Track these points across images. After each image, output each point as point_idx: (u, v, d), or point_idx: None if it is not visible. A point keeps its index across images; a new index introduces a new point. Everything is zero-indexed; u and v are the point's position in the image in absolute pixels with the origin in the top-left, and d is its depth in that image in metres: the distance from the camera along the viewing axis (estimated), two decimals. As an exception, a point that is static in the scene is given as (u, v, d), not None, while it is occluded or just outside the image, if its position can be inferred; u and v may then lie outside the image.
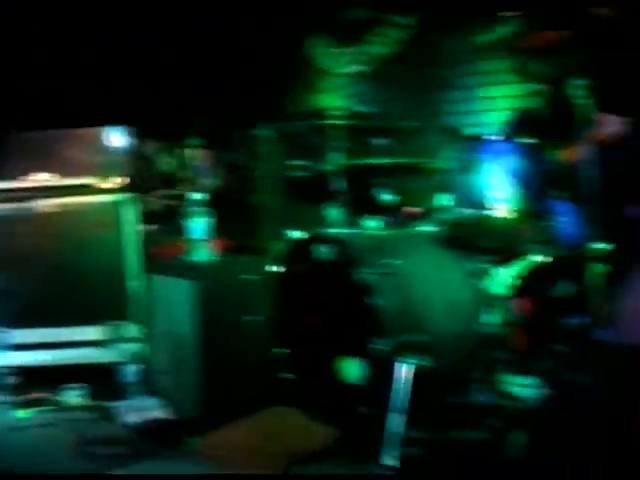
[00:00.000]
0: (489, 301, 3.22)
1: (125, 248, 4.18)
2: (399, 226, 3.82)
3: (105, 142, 4.52)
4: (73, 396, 3.91)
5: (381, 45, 6.27)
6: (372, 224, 3.66)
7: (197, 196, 3.61)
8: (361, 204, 4.09)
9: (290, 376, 3.48)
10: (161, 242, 4.85)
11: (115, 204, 4.22)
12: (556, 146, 3.31)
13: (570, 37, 3.20)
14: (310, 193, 4.65)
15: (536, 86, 4.06)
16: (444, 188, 3.35)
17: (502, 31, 3.31)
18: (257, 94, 6.87)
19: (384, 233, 3.63)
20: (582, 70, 3.16)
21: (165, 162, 5.58)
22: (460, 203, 3.24)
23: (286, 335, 3.51)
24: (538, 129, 3.77)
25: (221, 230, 3.91)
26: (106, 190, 4.25)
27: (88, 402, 3.90)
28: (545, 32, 3.27)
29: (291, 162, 4.87)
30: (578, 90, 3.14)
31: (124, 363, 4.01)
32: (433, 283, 3.21)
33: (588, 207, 3.09)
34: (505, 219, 3.15)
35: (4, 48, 6.00)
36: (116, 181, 4.26)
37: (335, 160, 3.90)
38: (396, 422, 2.79)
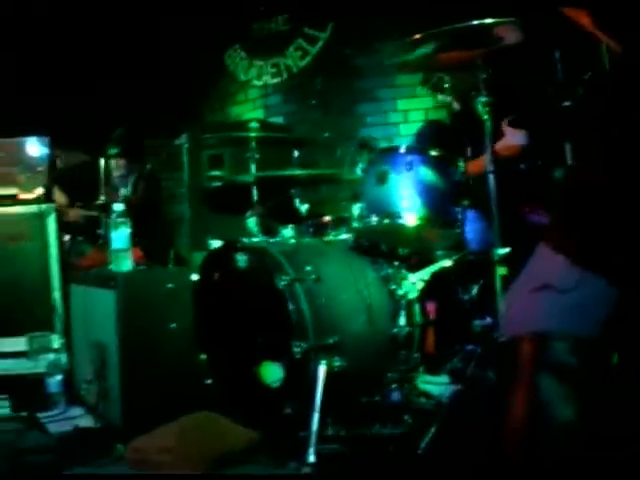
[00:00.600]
0: (399, 304, 3.34)
1: (47, 259, 4.18)
2: (313, 234, 3.89)
3: (25, 152, 4.52)
4: (-2, 407, 3.89)
5: (296, 57, 6.39)
6: (287, 232, 3.74)
7: (117, 206, 3.63)
8: (276, 213, 4.19)
9: (212, 381, 3.54)
10: (82, 252, 4.88)
11: (36, 215, 4.20)
12: (462, 157, 3.47)
13: (476, 57, 3.35)
14: (226, 203, 4.73)
15: (445, 100, 4.21)
16: (356, 197, 3.44)
17: (414, 51, 3.44)
18: (174, 104, 6.89)
19: (298, 241, 3.69)
20: (486, 87, 3.34)
21: (85, 172, 5.56)
22: (371, 212, 3.32)
23: (207, 342, 3.57)
24: (444, 140, 3.94)
25: (139, 240, 3.95)
26: (27, 201, 4.24)
27: (13, 413, 3.85)
28: (453, 52, 3.41)
29: (208, 172, 4.94)
30: (483, 105, 3.32)
31: (48, 374, 3.99)
32: (345, 288, 3.29)
33: (491, 215, 3.27)
34: (414, 227, 3.25)
35: None
36: (37, 192, 4.27)
37: (250, 170, 3.97)
38: (315, 421, 2.87)
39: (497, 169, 3.28)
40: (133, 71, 6.95)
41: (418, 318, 3.40)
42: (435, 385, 3.42)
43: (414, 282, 3.34)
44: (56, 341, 4.13)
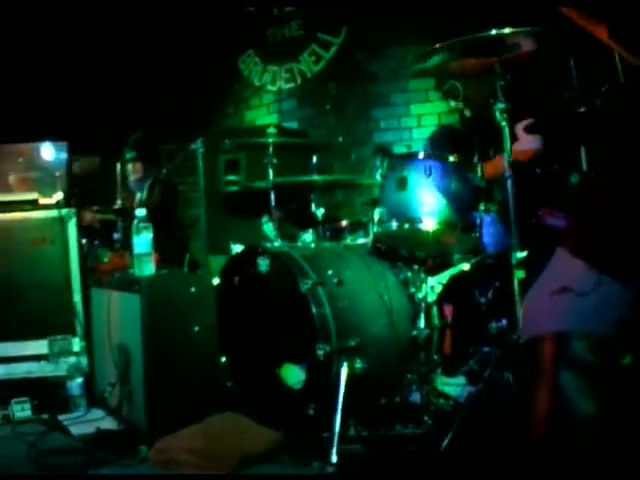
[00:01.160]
0: (418, 307, 3.38)
1: (67, 263, 4.23)
2: (330, 239, 3.95)
3: (43, 157, 4.57)
4: (20, 410, 3.90)
5: (310, 62, 6.44)
6: (307, 237, 3.80)
7: (140, 211, 3.67)
8: (292, 218, 4.24)
9: (232, 383, 3.61)
10: (99, 257, 4.92)
11: (57, 219, 4.25)
12: (478, 162, 3.51)
13: (494, 64, 3.40)
14: (243, 207, 4.77)
15: (457, 106, 4.25)
16: (375, 202, 3.48)
17: (431, 58, 3.48)
18: (188, 109, 6.94)
19: (318, 245, 3.74)
20: (504, 94, 3.38)
21: (104, 177, 5.61)
22: (391, 217, 3.36)
23: (228, 345, 3.63)
24: (456, 145, 3.98)
25: (159, 244, 4.00)
26: (47, 206, 4.30)
27: (35, 415, 3.90)
28: (470, 60, 3.46)
29: (224, 177, 4.98)
30: (500, 112, 3.36)
31: (69, 376, 4.04)
32: (366, 291, 3.35)
33: (508, 219, 3.32)
34: (432, 231, 3.30)
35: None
36: (56, 196, 4.32)
37: (268, 176, 3.99)
38: (337, 422, 2.93)
39: (514, 173, 3.31)
40: (148, 76, 7.00)
41: (437, 321, 3.44)
42: (452, 386, 3.47)
43: (433, 285, 3.39)
44: (77, 344, 4.19)
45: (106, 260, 4.81)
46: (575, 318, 1.80)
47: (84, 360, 4.18)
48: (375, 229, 3.46)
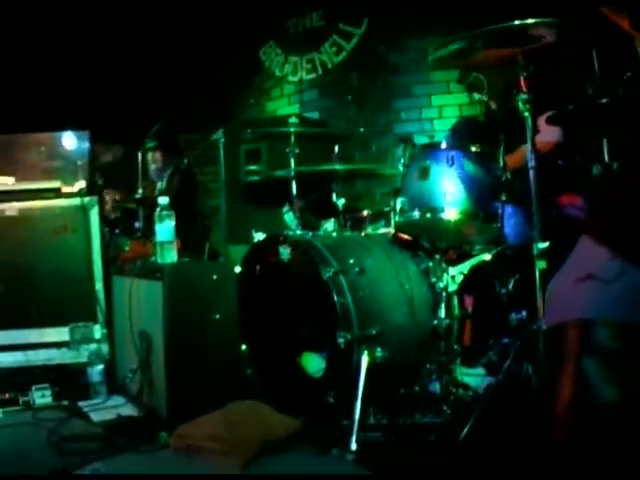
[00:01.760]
0: (439, 297, 3.39)
1: (90, 251, 4.26)
2: (351, 228, 3.96)
3: (65, 146, 4.59)
4: (40, 396, 3.91)
5: (331, 53, 6.44)
6: (329, 226, 3.81)
7: (163, 199, 3.69)
8: (313, 208, 4.25)
9: (252, 371, 3.64)
10: (120, 245, 4.95)
11: (79, 208, 4.28)
12: (500, 152, 3.51)
13: (517, 55, 3.39)
14: (264, 197, 4.79)
15: (482, 99, 4.24)
16: (397, 192, 3.49)
17: (451, 48, 3.47)
18: (209, 99, 6.95)
19: (340, 234, 3.76)
20: (527, 84, 3.37)
21: (125, 165, 5.64)
22: (413, 206, 3.37)
23: (249, 332, 3.65)
24: (478, 137, 3.97)
25: (180, 233, 4.01)
26: (70, 194, 4.32)
27: (55, 402, 3.91)
28: (492, 50, 3.45)
29: (245, 167, 4.99)
30: (524, 103, 3.35)
31: (90, 363, 4.06)
32: (387, 280, 3.36)
33: (530, 209, 3.31)
34: (454, 221, 3.30)
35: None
36: (78, 185, 4.35)
37: (290, 165, 4.00)
38: (357, 410, 2.95)
39: (536, 164, 3.30)
40: (170, 67, 7.02)
41: (457, 311, 3.45)
42: (472, 377, 3.47)
43: (454, 275, 3.39)
44: (98, 331, 4.22)
45: (127, 249, 4.83)
46: (599, 305, 1.81)
47: (105, 347, 4.20)
48: (397, 218, 3.47)
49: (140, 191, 5.44)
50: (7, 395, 3.95)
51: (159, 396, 3.53)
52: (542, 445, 1.98)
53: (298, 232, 3.75)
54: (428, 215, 3.34)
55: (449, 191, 3.30)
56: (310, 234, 3.67)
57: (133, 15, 6.92)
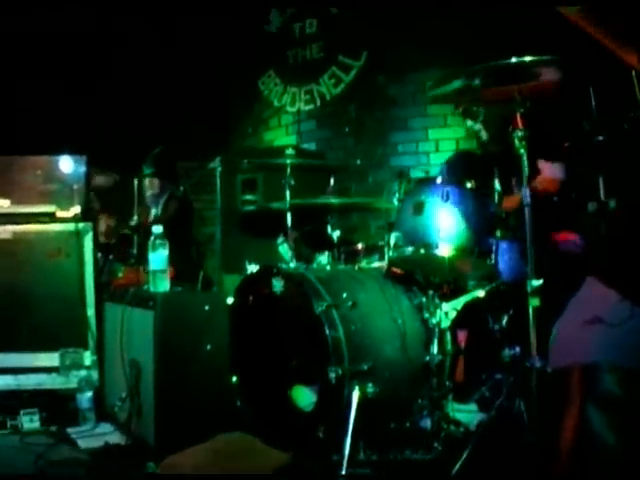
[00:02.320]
0: (432, 332, 3.37)
1: (82, 276, 4.24)
2: (345, 261, 3.94)
3: (61, 170, 4.58)
4: (28, 421, 3.90)
5: (330, 85, 6.46)
6: (323, 259, 3.80)
7: (156, 228, 3.69)
8: (308, 240, 4.24)
9: (242, 403, 3.60)
10: (114, 271, 4.93)
11: (73, 233, 4.27)
12: (495, 188, 3.50)
13: (514, 92, 3.39)
14: (259, 227, 4.78)
15: (473, 127, 4.25)
16: (391, 226, 3.49)
17: (451, 84, 3.48)
18: (207, 127, 6.97)
19: (334, 268, 3.74)
20: (523, 121, 3.37)
21: (121, 192, 5.63)
22: (407, 241, 3.37)
23: (240, 364, 3.62)
24: (474, 171, 3.97)
25: (173, 260, 4.00)
26: (64, 219, 4.32)
27: (43, 427, 3.90)
28: (490, 88, 3.45)
29: (241, 196, 4.99)
30: (520, 140, 3.35)
31: (79, 389, 4.04)
32: (380, 315, 3.34)
33: (524, 246, 3.30)
34: (448, 257, 3.28)
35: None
36: (73, 209, 4.34)
37: (285, 197, 3.99)
38: (347, 445, 2.92)
39: (533, 202, 3.30)
40: (168, 94, 7.04)
41: (450, 346, 3.43)
42: (464, 413, 3.45)
43: (447, 311, 3.37)
44: (88, 358, 4.20)
45: (120, 275, 4.82)
46: (605, 350, 1.80)
47: (95, 374, 4.18)
48: (390, 253, 3.46)
49: (135, 218, 5.44)
50: (-6, 418, 3.92)
51: (147, 425, 3.50)
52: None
53: (292, 264, 3.74)
54: (422, 251, 3.33)
55: (443, 227, 3.29)
56: (304, 267, 3.67)
57: (133, 42, 6.95)
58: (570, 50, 3.22)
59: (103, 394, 4.11)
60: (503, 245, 3.64)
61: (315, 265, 3.76)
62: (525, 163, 3.31)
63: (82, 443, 3.66)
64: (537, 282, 3.16)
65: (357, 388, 3.04)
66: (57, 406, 4.06)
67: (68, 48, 6.80)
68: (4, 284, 4.25)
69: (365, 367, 3.12)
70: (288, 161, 4.01)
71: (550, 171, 3.85)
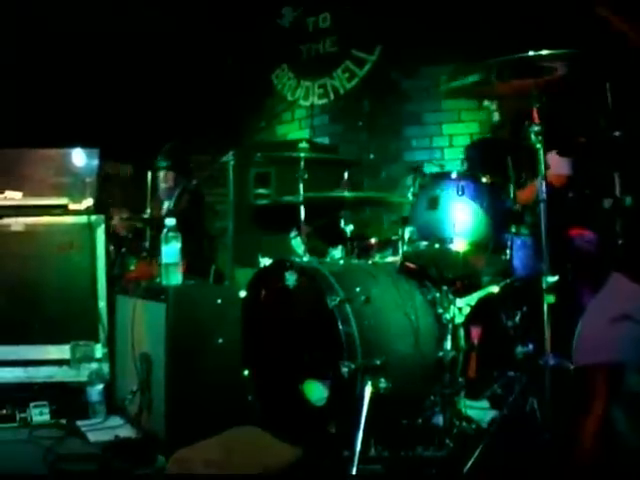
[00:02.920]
0: (445, 328, 3.33)
1: (94, 269, 4.25)
2: (358, 256, 3.90)
3: (74, 163, 4.58)
4: (38, 414, 3.92)
5: (343, 79, 6.44)
6: (336, 253, 3.77)
7: (169, 221, 3.68)
8: (321, 234, 4.21)
9: (254, 397, 3.57)
10: (127, 264, 4.93)
11: (85, 226, 4.28)
12: (510, 183, 3.46)
13: (530, 86, 3.36)
14: (272, 221, 4.76)
15: (490, 107, 4.21)
16: (405, 221, 3.45)
17: (466, 78, 3.45)
18: (220, 121, 6.95)
19: (347, 262, 3.72)
20: (539, 116, 3.33)
21: (134, 184, 5.63)
22: (421, 236, 3.34)
23: (252, 358, 3.60)
24: (497, 160, 3.94)
25: (186, 253, 3.98)
26: (76, 211, 4.32)
27: (53, 420, 3.93)
28: (505, 82, 3.42)
29: (254, 190, 4.97)
30: (535, 134, 3.31)
31: (89, 382, 4.05)
32: (393, 310, 3.31)
33: (539, 242, 3.27)
34: (462, 252, 3.25)
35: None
36: (86, 202, 4.33)
37: (298, 190, 3.96)
38: (358, 441, 2.89)
39: (547, 196, 3.26)
40: (182, 88, 7.04)
41: (463, 343, 3.39)
42: (476, 410, 3.42)
43: (461, 307, 3.34)
44: (99, 351, 4.21)
45: (133, 268, 4.82)
46: (631, 348, 1.76)
47: (105, 367, 4.19)
48: (404, 248, 3.43)
49: (148, 211, 5.43)
50: (4, 411, 3.95)
51: (158, 419, 3.51)
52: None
53: (305, 258, 3.71)
54: (436, 245, 3.29)
55: (458, 221, 3.25)
56: (317, 261, 3.64)
57: (147, 35, 6.94)
58: (587, 45, 3.18)
59: (114, 387, 4.11)
60: (518, 241, 3.60)
61: (328, 259, 3.73)
62: (542, 158, 3.26)
63: (92, 436, 3.67)
64: (552, 279, 3.12)
65: (369, 383, 3.01)
66: (67, 399, 4.08)
67: (81, 41, 6.80)
68: (15, 276, 4.27)
69: (378, 362, 3.09)
70: (302, 155, 3.99)
71: (557, 166, 3.81)
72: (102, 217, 4.33)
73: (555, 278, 3.13)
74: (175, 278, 3.60)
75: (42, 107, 6.56)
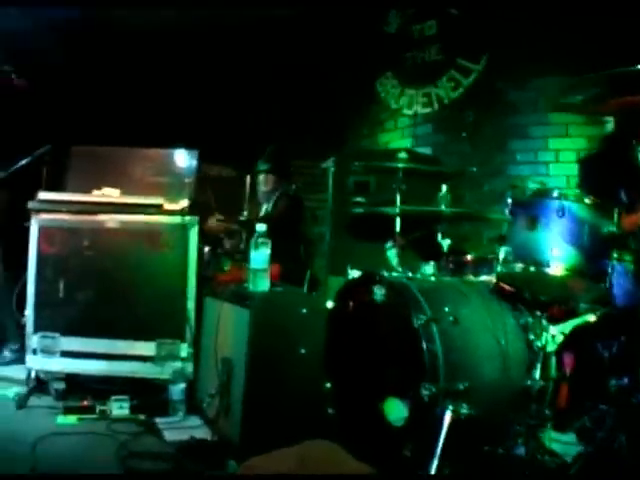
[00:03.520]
0: (536, 356, 3.20)
1: (185, 269, 4.28)
2: (452, 272, 3.80)
3: (174, 163, 4.62)
4: (118, 407, 3.98)
5: (448, 88, 6.31)
6: (427, 269, 3.67)
7: (260, 226, 3.65)
8: (417, 246, 4.12)
9: (334, 411, 3.53)
10: (221, 266, 4.95)
11: (179, 226, 4.32)
12: (616, 206, 3.29)
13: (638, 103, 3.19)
14: (368, 230, 4.69)
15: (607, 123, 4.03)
16: (502, 240, 3.34)
17: (578, 92, 3.30)
18: (322, 127, 6.95)
19: (438, 279, 3.62)
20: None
21: (234, 187, 5.66)
22: (517, 257, 3.21)
23: (334, 370, 3.56)
24: (605, 184, 3.75)
25: (277, 257, 3.95)
26: (173, 211, 4.35)
27: (132, 415, 3.98)
28: (622, 97, 3.25)
29: (352, 198, 4.90)
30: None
31: (172, 381, 4.09)
32: (482, 332, 3.20)
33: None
34: (560, 276, 3.13)
35: (82, 68, 6.21)
36: (182, 203, 4.36)
37: (395, 201, 3.91)
38: (433, 467, 2.81)
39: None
40: (286, 94, 7.06)
41: (553, 372, 3.24)
42: (561, 444, 3.26)
43: (554, 334, 3.19)
44: (184, 350, 4.24)
45: (226, 269, 4.84)
46: None
47: (189, 366, 4.22)
48: (499, 268, 3.30)
49: (245, 213, 5.45)
50: (85, 402, 4.02)
51: (234, 423, 3.50)
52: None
53: (394, 273, 3.62)
54: (532, 268, 3.16)
55: (557, 244, 3.12)
56: (407, 276, 3.55)
57: (250, 40, 6.99)
58: None
59: (195, 387, 4.14)
60: (619, 268, 3.42)
61: (419, 275, 3.63)
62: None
63: (168, 434, 3.71)
64: (653, 310, 2.96)
65: (450, 408, 2.92)
66: (148, 395, 4.13)
67: (190, 44, 6.89)
68: (108, 271, 4.33)
69: (461, 387, 2.98)
70: (399, 165, 3.91)
71: None
72: (196, 218, 4.35)
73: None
74: (262, 284, 3.59)
75: (147, 107, 6.67)
